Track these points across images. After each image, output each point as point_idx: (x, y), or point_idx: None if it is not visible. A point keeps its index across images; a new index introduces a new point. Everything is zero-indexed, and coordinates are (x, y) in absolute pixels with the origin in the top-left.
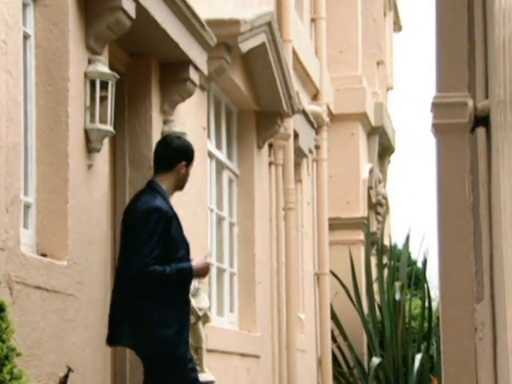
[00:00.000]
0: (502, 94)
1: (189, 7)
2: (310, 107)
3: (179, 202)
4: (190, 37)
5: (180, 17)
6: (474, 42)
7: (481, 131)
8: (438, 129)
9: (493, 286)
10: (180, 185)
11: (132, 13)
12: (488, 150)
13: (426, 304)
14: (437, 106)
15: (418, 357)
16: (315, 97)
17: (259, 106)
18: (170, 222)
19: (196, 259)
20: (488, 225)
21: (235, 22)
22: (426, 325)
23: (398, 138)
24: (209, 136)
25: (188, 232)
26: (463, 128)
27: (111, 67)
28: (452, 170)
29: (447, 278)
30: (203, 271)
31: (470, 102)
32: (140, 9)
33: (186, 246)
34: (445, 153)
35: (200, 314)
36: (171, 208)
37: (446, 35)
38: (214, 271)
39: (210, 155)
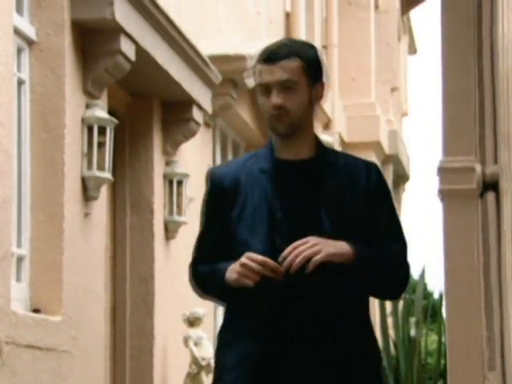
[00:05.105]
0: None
1: (191, 46)
2: (322, 137)
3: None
4: (193, 75)
5: (182, 56)
6: (483, 104)
7: (490, 196)
8: (444, 194)
9: (504, 355)
10: (269, 123)
11: (131, 55)
12: (498, 216)
13: (443, 339)
14: (443, 171)
15: None
16: (327, 125)
17: (267, 139)
18: (228, 195)
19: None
20: (498, 291)
21: (241, 58)
22: (442, 361)
23: (413, 164)
24: None
25: None
26: (471, 194)
27: (111, 107)
28: (460, 237)
29: (456, 347)
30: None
31: (478, 167)
32: (140, 50)
33: (267, 243)
34: (452, 220)
35: (203, 363)
36: (263, 172)
37: (453, 97)
38: None
39: None
